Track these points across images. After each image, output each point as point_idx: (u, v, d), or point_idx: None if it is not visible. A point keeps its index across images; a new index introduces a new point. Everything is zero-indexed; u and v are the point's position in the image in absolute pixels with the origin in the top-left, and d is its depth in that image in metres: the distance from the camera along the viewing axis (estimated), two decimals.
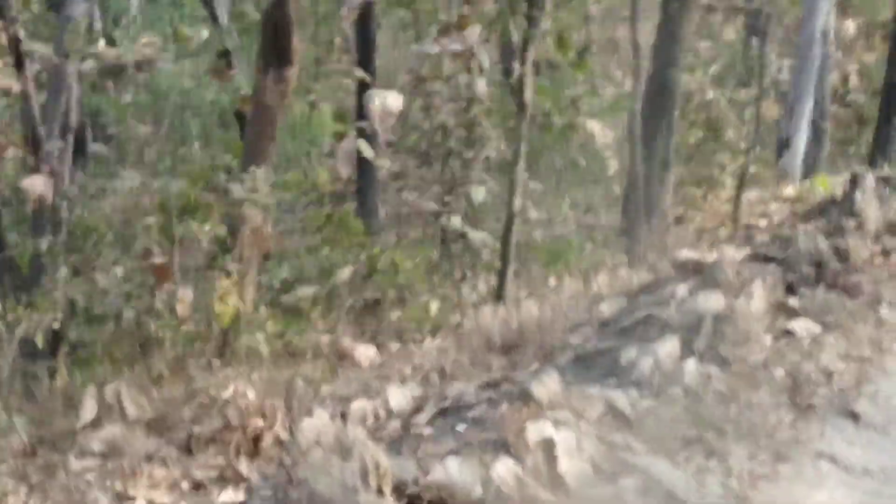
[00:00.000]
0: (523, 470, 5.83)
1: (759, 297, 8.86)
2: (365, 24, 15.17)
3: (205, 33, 16.43)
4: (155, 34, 16.79)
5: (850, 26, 23.80)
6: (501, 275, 11.18)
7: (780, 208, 14.06)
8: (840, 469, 7.19)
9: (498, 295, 11.06)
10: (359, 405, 7.86)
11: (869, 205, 11.40)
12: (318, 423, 5.79)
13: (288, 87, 10.98)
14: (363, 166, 13.94)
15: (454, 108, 12.20)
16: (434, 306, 10.69)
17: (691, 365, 7.71)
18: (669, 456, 6.74)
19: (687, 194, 14.81)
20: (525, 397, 6.58)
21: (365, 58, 15.18)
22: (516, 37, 11.16)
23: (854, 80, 22.50)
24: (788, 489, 6.80)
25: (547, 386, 6.72)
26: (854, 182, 11.62)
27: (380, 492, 5.15)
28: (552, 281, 11.59)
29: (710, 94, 14.99)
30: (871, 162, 16.80)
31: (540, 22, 11.36)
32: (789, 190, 15.24)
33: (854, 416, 7.83)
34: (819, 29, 16.68)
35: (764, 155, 16.64)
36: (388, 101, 11.46)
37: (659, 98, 13.17)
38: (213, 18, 17.97)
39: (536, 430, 6.06)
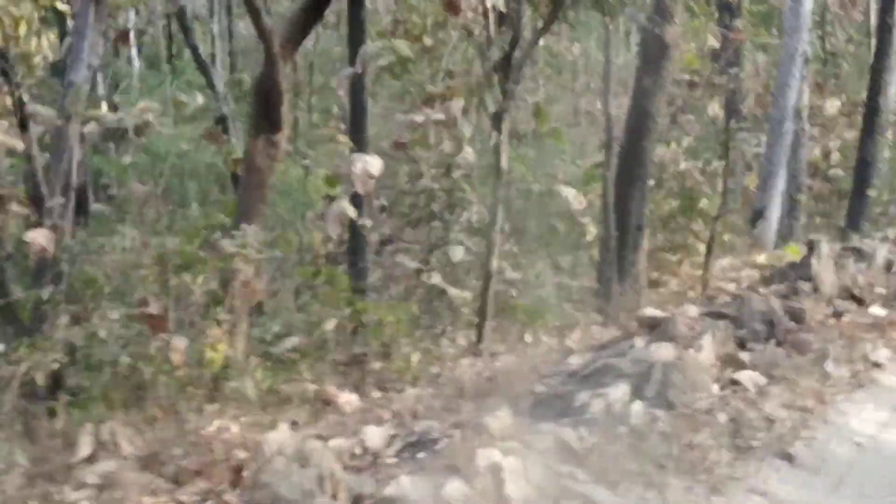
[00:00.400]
0: (472, 490, 6.45)
1: (708, 349, 9.53)
2: (357, 94, 15.84)
3: (201, 99, 17.13)
4: (155, 100, 17.49)
5: (834, 104, 24.61)
6: (479, 330, 11.80)
7: (751, 274, 14.73)
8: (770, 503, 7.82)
9: (476, 349, 11.68)
10: (336, 443, 8.53)
11: (824, 270, 12.11)
12: (281, 436, 6.42)
13: (278, 151, 11.65)
14: (354, 229, 14.57)
15: (437, 173, 12.86)
16: (415, 358, 11.28)
17: (638, 407, 8.36)
18: (611, 486, 7.36)
19: (662, 260, 15.49)
20: (479, 429, 7.24)
21: (357, 125, 15.84)
22: (491, 108, 11.81)
23: (835, 156, 23.26)
24: None
25: (500, 420, 7.38)
26: (811, 249, 12.35)
27: (334, 497, 5.77)
28: (528, 337, 12.21)
29: (683, 165, 15.71)
30: (845, 233, 17.54)
31: (515, 94, 12.08)
32: (761, 257, 15.93)
33: (789, 458, 8.46)
34: (791, 106, 17.42)
35: (738, 224, 17.33)
36: (368, 164, 12.12)
37: (632, 168, 13.85)
38: (211, 86, 18.75)
39: (486, 456, 6.70)
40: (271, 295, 13.58)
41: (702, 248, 15.33)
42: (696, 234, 15.35)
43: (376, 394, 10.83)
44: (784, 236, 17.56)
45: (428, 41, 15.15)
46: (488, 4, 13.13)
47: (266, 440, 6.44)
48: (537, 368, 10.39)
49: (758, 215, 17.36)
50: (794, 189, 18.54)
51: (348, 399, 10.32)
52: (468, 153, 13.46)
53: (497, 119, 11.83)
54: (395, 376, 11.17)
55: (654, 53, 14.07)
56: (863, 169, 18.91)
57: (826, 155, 23.61)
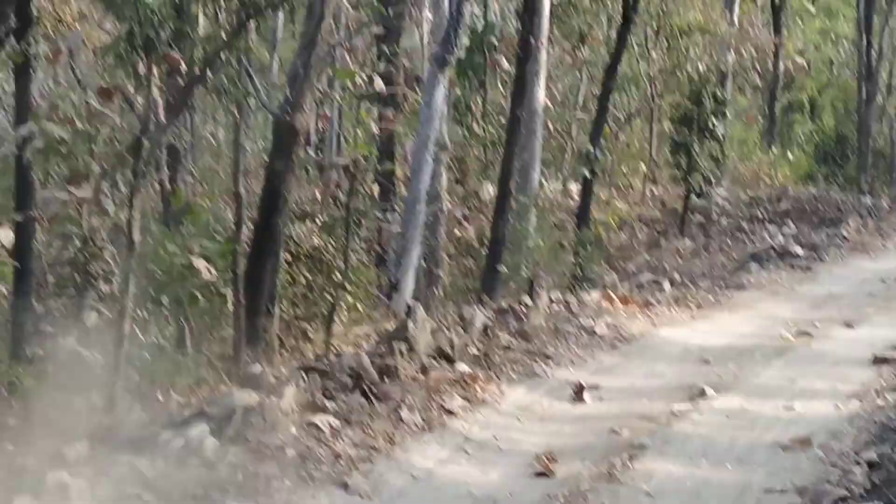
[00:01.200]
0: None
1: (289, 397, 10.96)
2: (22, 172, 16.77)
3: None
4: None
5: (489, 189, 26.67)
6: (111, 390, 12.93)
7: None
8: None
9: (108, 405, 12.79)
10: None
11: (420, 332, 13.71)
12: None
13: None
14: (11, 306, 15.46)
15: (80, 247, 14.01)
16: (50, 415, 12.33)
17: (211, 442, 9.73)
18: None
19: (300, 328, 16.86)
20: (57, 458, 8.48)
21: (22, 202, 16.79)
22: (124, 188, 13.08)
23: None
24: None
25: (76, 450, 8.64)
26: (408, 315, 13.98)
27: None
28: (160, 396, 13.40)
29: (317, 241, 17.17)
30: (478, 302, 19.23)
31: (146, 175, 13.37)
32: (390, 325, 17.46)
33: (345, 486, 9.93)
34: (423, 188, 19.00)
35: (368, 296, 18.71)
36: None
37: (264, 243, 15.16)
38: None
39: (56, 478, 7.95)
40: None
41: (336, 317, 16.76)
42: (330, 304, 16.74)
43: None
44: (424, 307, 19.07)
45: (80, 125, 16.27)
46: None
47: None
48: (155, 419, 11.62)
49: (393, 288, 18.90)
50: (434, 264, 20.19)
51: None
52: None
53: (130, 197, 13.05)
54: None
55: (285, 139, 15.45)
56: (494, 248, 20.71)
57: (480, 236, 25.59)
